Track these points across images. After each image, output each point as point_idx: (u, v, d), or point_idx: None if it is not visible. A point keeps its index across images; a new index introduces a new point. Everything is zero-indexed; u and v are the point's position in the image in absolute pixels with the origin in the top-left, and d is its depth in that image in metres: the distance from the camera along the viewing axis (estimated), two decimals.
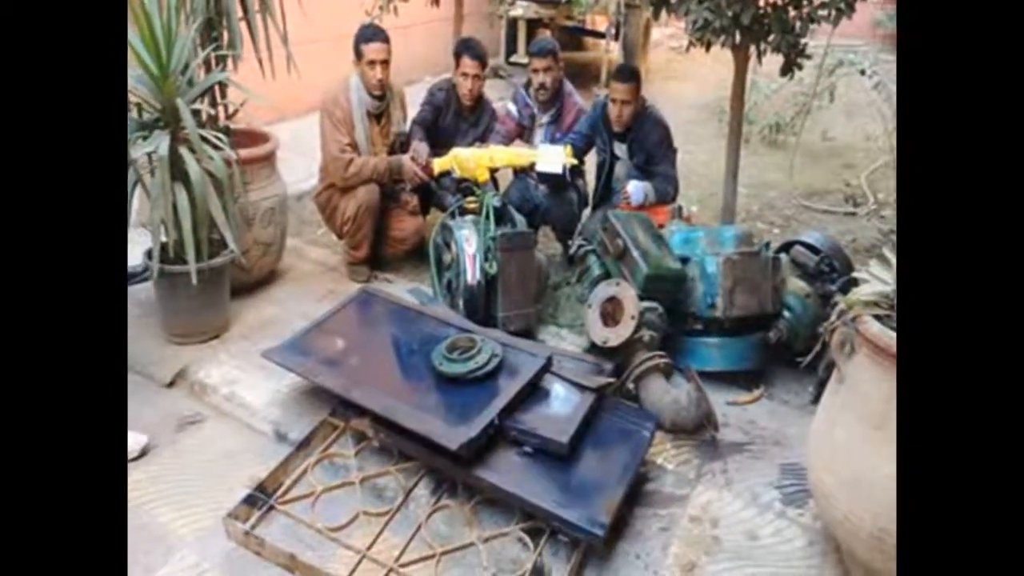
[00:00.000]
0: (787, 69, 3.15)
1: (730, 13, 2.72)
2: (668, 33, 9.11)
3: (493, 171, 3.27)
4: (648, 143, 3.31)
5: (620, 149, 3.42)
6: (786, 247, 3.06)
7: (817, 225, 4.40)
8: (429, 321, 2.66)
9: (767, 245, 2.84)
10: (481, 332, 2.54)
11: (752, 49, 3.14)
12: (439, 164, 3.22)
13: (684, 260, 2.80)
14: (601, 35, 7.00)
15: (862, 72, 4.72)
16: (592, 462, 2.14)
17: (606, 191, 3.52)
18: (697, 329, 2.76)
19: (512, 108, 3.61)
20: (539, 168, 3.14)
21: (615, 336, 2.52)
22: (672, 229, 2.92)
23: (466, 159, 3.17)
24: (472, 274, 2.84)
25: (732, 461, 2.31)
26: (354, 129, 3.22)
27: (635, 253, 2.66)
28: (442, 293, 3.02)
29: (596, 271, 2.86)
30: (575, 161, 3.17)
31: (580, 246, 2.92)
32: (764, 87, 5.57)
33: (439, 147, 3.57)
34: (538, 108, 3.56)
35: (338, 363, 2.50)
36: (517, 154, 3.21)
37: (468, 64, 3.47)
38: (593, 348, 2.63)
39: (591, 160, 3.60)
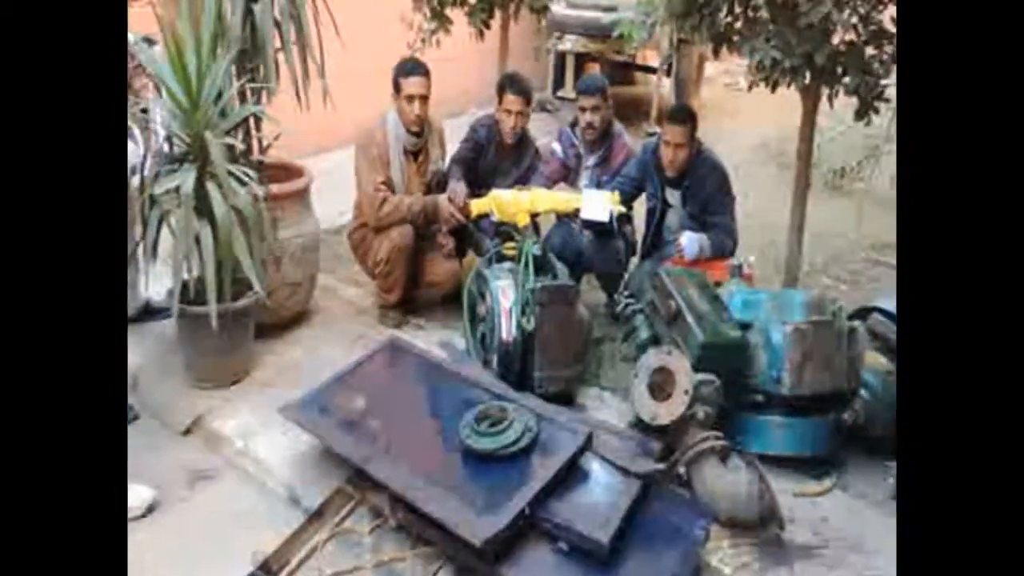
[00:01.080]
0: (863, 113, 2.83)
1: (800, 51, 2.43)
2: (722, 69, 8.78)
3: (534, 215, 3.02)
4: (704, 191, 3.01)
5: (673, 196, 3.13)
6: (862, 314, 2.73)
7: (890, 283, 4.01)
8: (459, 382, 2.40)
9: (839, 310, 2.50)
10: (515, 398, 2.27)
11: (823, 90, 2.84)
12: (477, 206, 2.99)
13: (745, 326, 2.48)
14: (652, 70, 6.74)
15: None
16: (636, 565, 1.83)
17: (656, 240, 3.23)
18: (759, 405, 2.43)
19: (557, 148, 3.36)
20: (583, 215, 2.87)
21: (666, 413, 2.22)
22: (731, 290, 2.61)
23: (506, 202, 2.93)
24: (507, 330, 2.57)
25: (801, 568, 1.97)
26: (389, 167, 3.02)
27: (689, 318, 2.36)
28: (475, 347, 2.77)
29: (644, 334, 2.56)
30: (623, 208, 2.90)
31: (627, 305, 2.63)
32: (828, 129, 5.20)
33: (479, 186, 3.35)
34: (585, 149, 3.30)
35: (357, 426, 2.26)
36: (561, 198, 2.95)
37: (511, 100, 3.25)
38: (639, 424, 2.33)
39: (640, 206, 3.32)
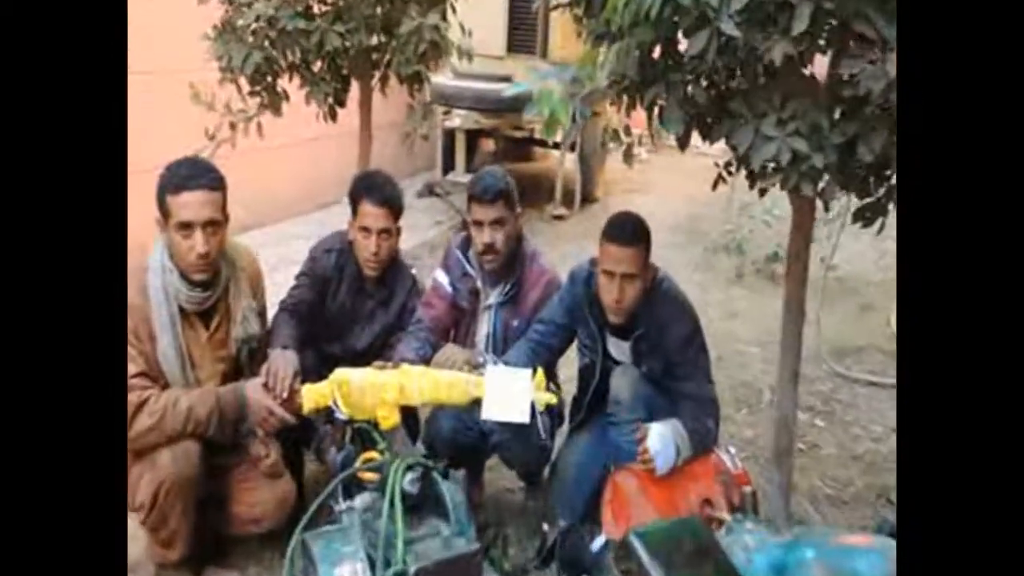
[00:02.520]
0: (873, 219, 1.83)
1: (839, 140, 1.38)
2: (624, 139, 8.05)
3: (407, 410, 1.78)
4: (668, 342, 1.90)
5: (619, 349, 2.00)
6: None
7: (869, 406, 3.06)
8: None
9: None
10: None
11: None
12: (311, 397, 1.71)
13: None
14: (555, 145, 5.80)
15: None
16: None
17: (594, 407, 2.08)
18: None
19: (442, 279, 2.17)
20: (489, 415, 1.65)
21: None
22: (745, 540, 1.46)
23: (359, 388, 1.68)
24: None
25: None
26: (155, 343, 1.69)
27: None
28: None
29: None
30: (553, 399, 1.70)
31: None
32: (761, 211, 4.35)
33: (326, 341, 2.11)
34: (484, 280, 2.13)
35: None
36: (447, 382, 1.71)
37: (371, 213, 2.06)
38: None
39: (569, 360, 2.17)
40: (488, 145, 6.21)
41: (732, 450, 1.84)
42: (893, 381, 3.26)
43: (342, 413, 1.72)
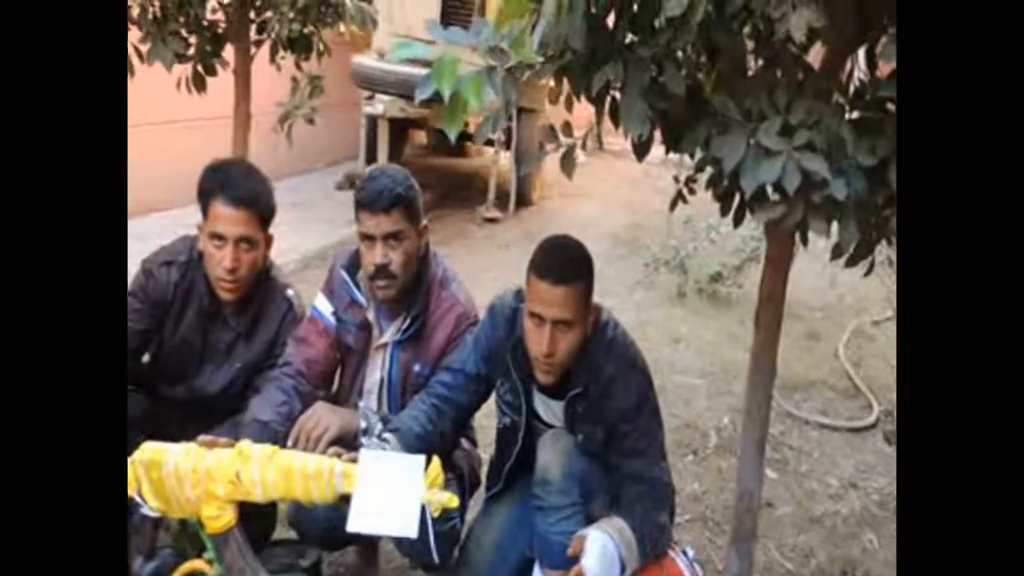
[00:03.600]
0: (859, 259, 1.45)
1: (865, 162, 0.96)
2: (563, 140, 7.66)
3: (248, 508, 1.25)
4: (612, 406, 1.45)
5: (548, 408, 1.54)
6: None
7: (823, 453, 2.73)
8: None
9: None
10: None
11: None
12: None
13: None
14: (489, 141, 5.32)
15: None
16: None
17: (516, 473, 1.62)
18: None
19: (323, 307, 1.64)
20: (357, 527, 1.13)
21: None
22: None
23: (174, 475, 1.14)
24: None
25: None
26: None
27: None
28: None
29: None
30: (453, 500, 1.20)
31: None
32: (705, 226, 4.00)
33: (165, 382, 1.58)
34: (377, 313, 1.61)
35: None
36: (305, 471, 1.18)
37: (225, 215, 1.52)
38: None
39: (486, 413, 1.70)
40: (418, 137, 5.67)
41: (689, 552, 1.40)
42: (846, 424, 2.96)
43: (151, 508, 1.19)
